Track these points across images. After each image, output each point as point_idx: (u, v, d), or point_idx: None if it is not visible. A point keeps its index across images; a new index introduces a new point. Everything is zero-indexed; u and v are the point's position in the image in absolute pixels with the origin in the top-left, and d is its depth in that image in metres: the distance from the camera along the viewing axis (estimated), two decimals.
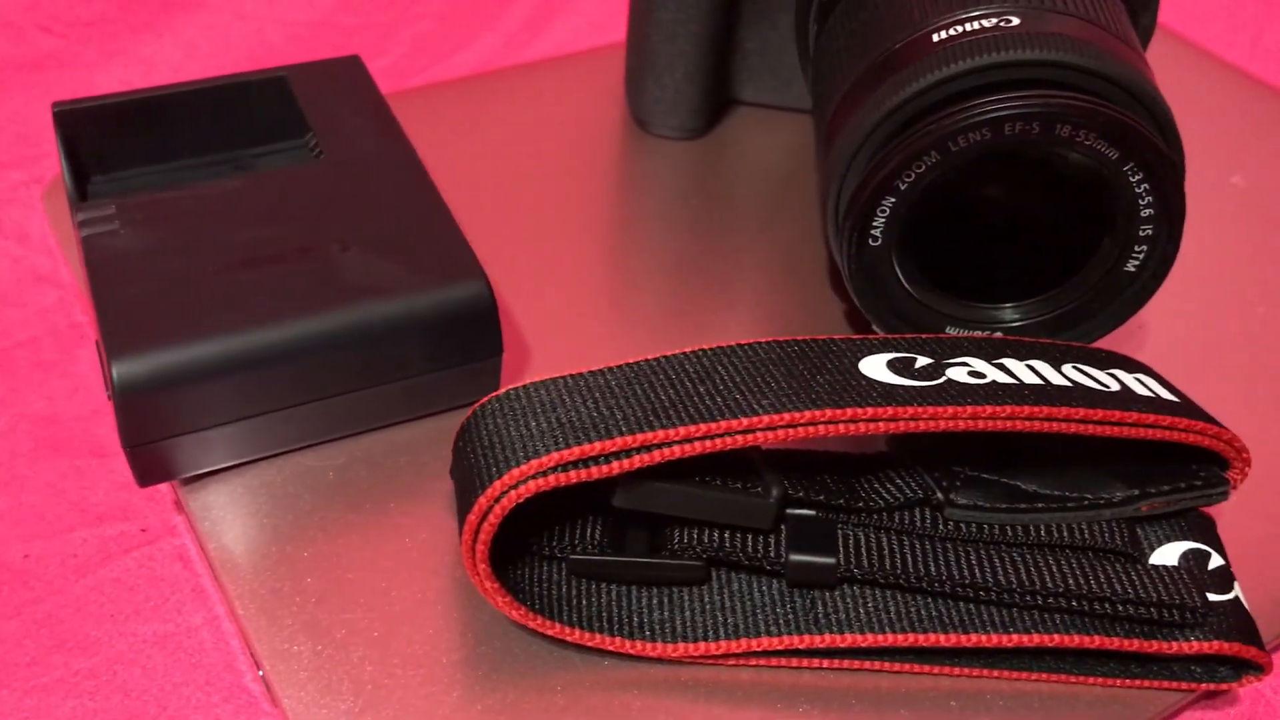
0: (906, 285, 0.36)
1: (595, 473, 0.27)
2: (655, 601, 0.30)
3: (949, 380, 0.30)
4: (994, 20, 0.33)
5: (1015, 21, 0.33)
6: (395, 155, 0.37)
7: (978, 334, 0.34)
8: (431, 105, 0.48)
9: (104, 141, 0.38)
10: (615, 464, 0.27)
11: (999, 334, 0.36)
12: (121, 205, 0.34)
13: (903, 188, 0.34)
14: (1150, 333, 0.41)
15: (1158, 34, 0.56)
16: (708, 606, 0.30)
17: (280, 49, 0.52)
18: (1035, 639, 0.29)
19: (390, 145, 0.37)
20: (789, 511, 0.31)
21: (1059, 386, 0.30)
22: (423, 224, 0.35)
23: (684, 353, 0.31)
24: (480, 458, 0.28)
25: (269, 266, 0.33)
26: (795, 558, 0.30)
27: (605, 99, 0.49)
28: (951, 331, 0.37)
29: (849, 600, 0.30)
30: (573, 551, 0.30)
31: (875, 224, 0.35)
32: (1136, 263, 0.35)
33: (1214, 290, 0.43)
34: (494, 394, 0.30)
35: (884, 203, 0.34)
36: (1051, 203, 0.36)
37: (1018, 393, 0.30)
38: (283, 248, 0.33)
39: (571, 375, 0.30)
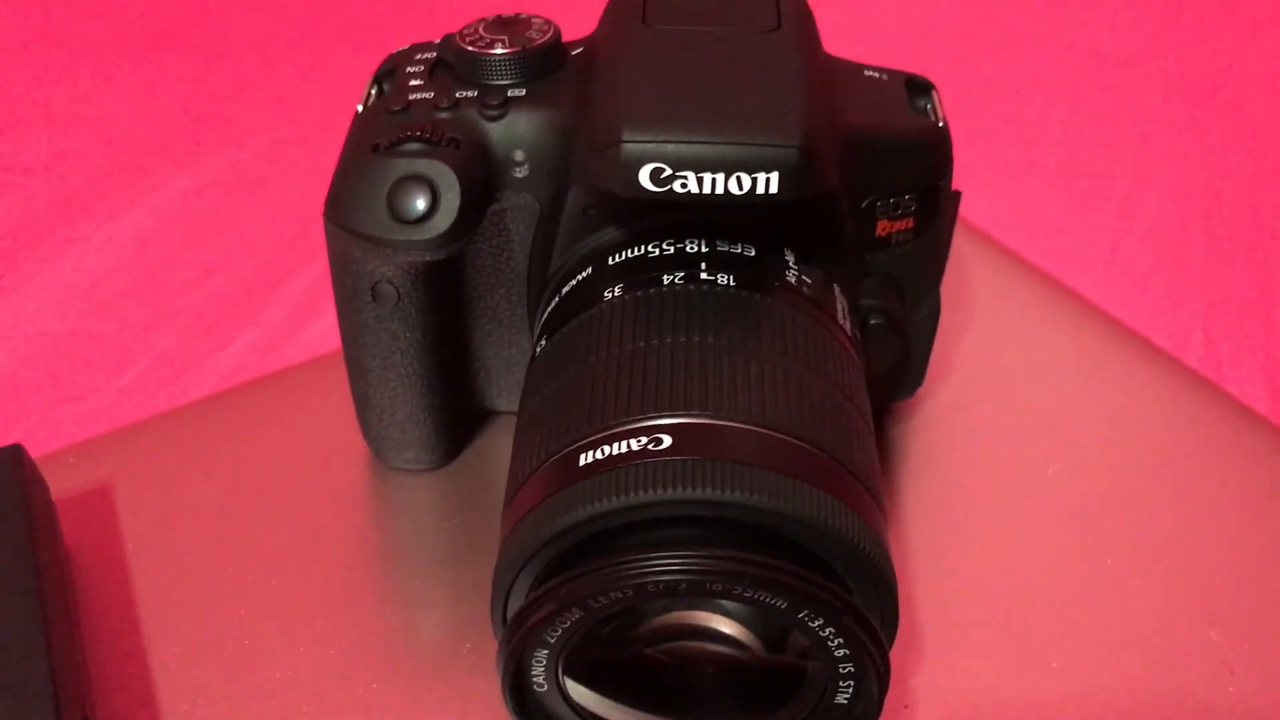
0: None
1: None
2: None
3: None
4: (643, 441, 0.28)
5: (666, 443, 0.28)
6: (14, 581, 0.33)
7: None
8: (156, 438, 0.44)
9: None
10: None
11: None
12: None
13: (552, 640, 0.29)
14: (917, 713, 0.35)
15: (984, 253, 0.50)
16: None
17: (11, 375, 0.48)
18: None
19: (14, 569, 0.33)
20: None
21: None
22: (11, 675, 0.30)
23: None
24: None
25: None
26: None
27: (347, 416, 0.44)
28: None
29: None
30: None
31: (534, 673, 0.30)
32: (847, 696, 0.30)
33: (1007, 641, 0.37)
34: None
35: (536, 654, 0.29)
36: (749, 628, 0.31)
37: None
38: None
39: None
